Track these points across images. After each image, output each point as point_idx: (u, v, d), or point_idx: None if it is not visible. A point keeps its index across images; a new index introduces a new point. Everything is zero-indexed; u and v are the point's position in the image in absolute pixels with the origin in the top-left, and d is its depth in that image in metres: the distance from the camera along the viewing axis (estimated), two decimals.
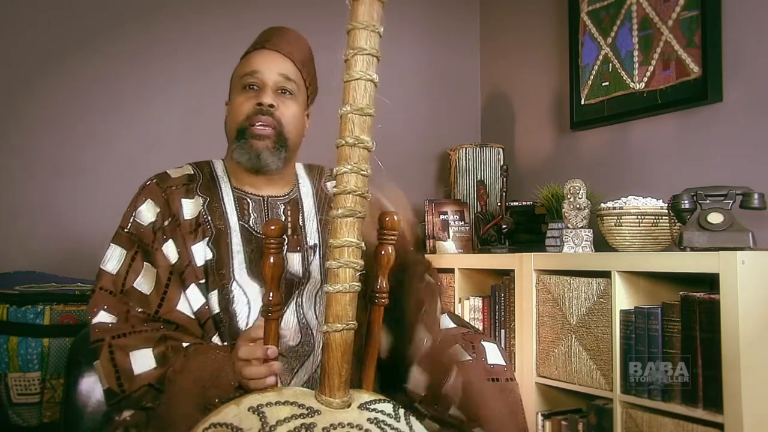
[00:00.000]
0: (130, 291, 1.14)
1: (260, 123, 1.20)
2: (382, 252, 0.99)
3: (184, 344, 1.09)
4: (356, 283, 0.90)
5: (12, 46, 1.95)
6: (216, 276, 1.17)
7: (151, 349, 1.08)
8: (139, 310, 1.12)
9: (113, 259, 1.17)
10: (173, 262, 1.17)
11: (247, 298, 1.17)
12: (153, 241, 1.17)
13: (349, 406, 0.91)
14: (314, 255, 1.24)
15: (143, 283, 1.14)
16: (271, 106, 1.20)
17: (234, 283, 1.17)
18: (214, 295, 1.17)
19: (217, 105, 2.37)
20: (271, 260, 0.96)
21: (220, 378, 1.00)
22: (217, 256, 1.18)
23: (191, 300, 1.15)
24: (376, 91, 0.90)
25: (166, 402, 1.00)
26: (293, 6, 2.28)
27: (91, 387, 1.23)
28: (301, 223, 1.26)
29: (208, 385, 0.99)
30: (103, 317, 1.11)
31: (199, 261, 1.17)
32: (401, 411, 0.94)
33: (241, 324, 1.15)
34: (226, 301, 1.16)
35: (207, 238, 1.19)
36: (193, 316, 1.15)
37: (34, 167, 1.96)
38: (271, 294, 0.97)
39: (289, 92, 1.24)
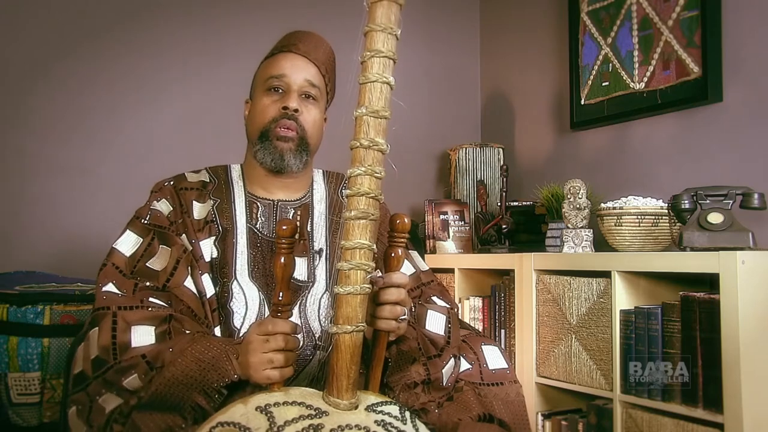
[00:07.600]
0: (141, 269, 1.17)
1: (285, 126, 1.24)
2: (392, 254, 0.99)
3: (186, 331, 1.10)
4: (367, 285, 0.91)
5: (12, 46, 1.93)
6: (219, 273, 1.21)
7: (153, 327, 1.09)
8: (148, 283, 1.15)
9: (128, 242, 1.20)
10: (187, 248, 1.20)
11: (245, 299, 1.20)
12: (169, 228, 1.21)
13: (356, 407, 0.91)
14: (320, 260, 1.27)
15: (156, 262, 1.18)
16: (296, 111, 1.24)
17: (234, 282, 1.21)
18: (216, 291, 1.20)
19: (218, 105, 2.35)
20: (282, 260, 0.97)
21: (221, 363, 1.01)
22: (222, 254, 1.22)
23: (206, 288, 1.18)
24: (391, 94, 0.90)
25: (165, 382, 1.00)
26: (294, 6, 2.27)
27: None
28: (309, 228, 1.29)
29: (209, 369, 1.00)
30: (112, 288, 1.13)
31: (207, 257, 1.21)
32: (407, 413, 0.95)
33: (237, 323, 1.18)
34: (225, 298, 1.20)
35: (214, 237, 1.23)
36: (197, 296, 1.17)
37: (34, 167, 1.94)
38: (281, 294, 0.97)
39: (312, 97, 1.28)
